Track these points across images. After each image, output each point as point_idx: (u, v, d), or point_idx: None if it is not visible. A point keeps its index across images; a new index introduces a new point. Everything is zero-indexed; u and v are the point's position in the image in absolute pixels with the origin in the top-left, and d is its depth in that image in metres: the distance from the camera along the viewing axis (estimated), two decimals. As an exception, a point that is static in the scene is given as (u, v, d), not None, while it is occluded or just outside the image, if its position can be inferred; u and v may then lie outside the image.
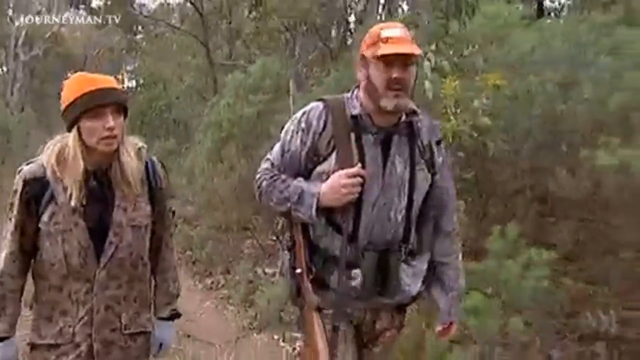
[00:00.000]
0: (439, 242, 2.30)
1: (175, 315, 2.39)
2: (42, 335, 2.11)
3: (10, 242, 2.10)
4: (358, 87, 2.20)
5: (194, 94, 13.61)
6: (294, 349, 4.85)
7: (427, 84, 4.43)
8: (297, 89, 7.55)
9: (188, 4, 14.69)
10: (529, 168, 4.80)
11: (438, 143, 2.24)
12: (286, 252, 2.27)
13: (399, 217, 2.15)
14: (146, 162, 2.20)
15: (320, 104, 2.19)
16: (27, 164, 2.11)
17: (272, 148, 2.28)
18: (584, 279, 4.96)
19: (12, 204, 2.08)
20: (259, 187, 2.22)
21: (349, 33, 7.77)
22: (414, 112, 2.16)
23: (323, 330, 2.12)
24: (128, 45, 23.03)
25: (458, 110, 4.02)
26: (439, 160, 2.23)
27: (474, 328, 3.66)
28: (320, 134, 2.13)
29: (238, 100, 7.26)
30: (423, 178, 2.18)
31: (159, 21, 18.05)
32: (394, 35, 2.06)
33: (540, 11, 9.69)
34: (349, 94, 2.20)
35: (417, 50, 2.06)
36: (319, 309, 2.14)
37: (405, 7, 7.15)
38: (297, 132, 2.17)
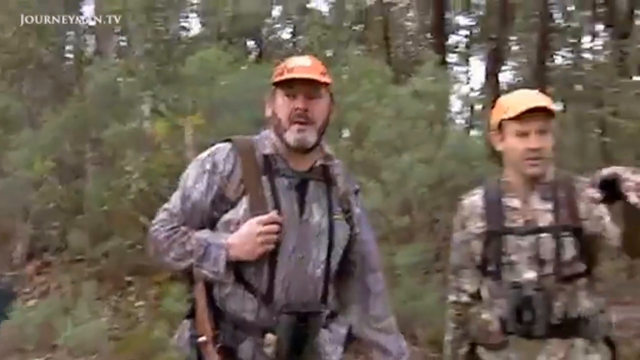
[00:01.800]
0: (371, 306, 2.03)
1: None
2: None
3: None
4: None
5: None
6: None
7: (145, 123, 5.28)
8: (28, 124, 7.74)
9: None
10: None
11: (356, 192, 2.04)
12: (184, 319, 1.93)
13: (318, 272, 1.87)
14: None
15: (227, 145, 1.92)
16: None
17: (170, 197, 1.97)
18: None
19: None
20: (153, 241, 1.90)
21: (79, 70, 8.18)
22: (329, 157, 1.96)
23: None
24: None
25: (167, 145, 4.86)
26: (356, 211, 2.01)
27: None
28: (229, 177, 1.86)
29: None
30: (341, 229, 1.94)
31: None
32: (301, 64, 1.89)
33: (260, 56, 11.05)
34: (257, 136, 1.97)
35: (325, 79, 1.87)
36: None
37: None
38: (201, 175, 1.88)
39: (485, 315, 2.19)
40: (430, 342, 4.28)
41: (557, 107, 2.26)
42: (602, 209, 2.04)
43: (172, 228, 1.87)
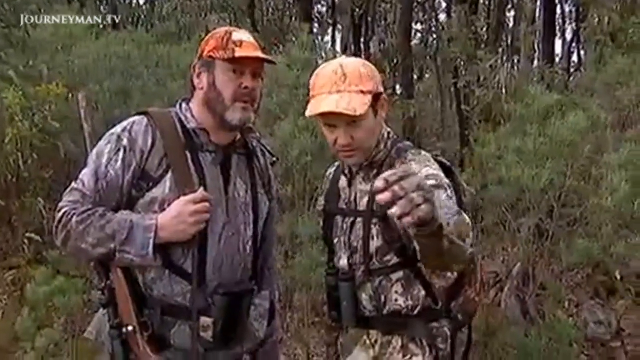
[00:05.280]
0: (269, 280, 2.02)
1: None
2: None
3: None
4: (185, 100, 1.89)
5: None
6: None
7: (-6, 92, 4.71)
8: None
9: None
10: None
11: (273, 165, 2.02)
12: (102, 309, 1.80)
13: (248, 249, 1.86)
14: None
15: (144, 117, 1.80)
16: None
17: (76, 177, 1.80)
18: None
19: None
20: (65, 227, 1.72)
21: None
22: (250, 130, 1.91)
23: None
24: None
25: (21, 117, 4.41)
26: (274, 184, 2.02)
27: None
28: (150, 152, 1.75)
29: None
30: (263, 203, 1.93)
31: None
32: (246, 39, 1.80)
33: (115, 23, 10.42)
34: (175, 108, 1.87)
35: (272, 58, 1.87)
36: None
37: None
38: (117, 152, 1.75)
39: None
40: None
41: (367, 97, 1.75)
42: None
43: (86, 210, 1.72)
